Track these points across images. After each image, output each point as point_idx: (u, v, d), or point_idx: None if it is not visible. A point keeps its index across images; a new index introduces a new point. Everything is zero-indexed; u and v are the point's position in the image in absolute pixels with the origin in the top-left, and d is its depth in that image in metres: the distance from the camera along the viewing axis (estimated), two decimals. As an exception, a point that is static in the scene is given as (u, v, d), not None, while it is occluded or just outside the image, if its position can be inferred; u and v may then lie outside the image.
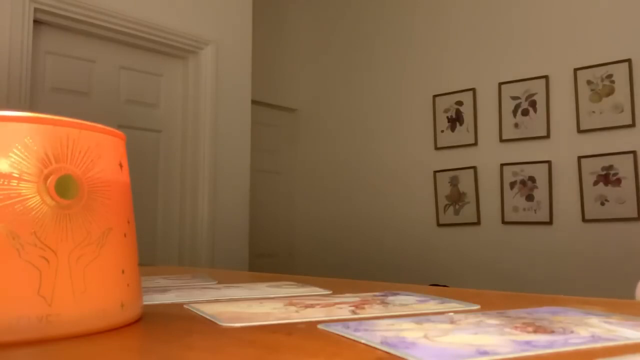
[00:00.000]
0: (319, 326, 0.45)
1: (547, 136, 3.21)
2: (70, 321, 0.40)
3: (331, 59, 4.24)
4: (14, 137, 0.40)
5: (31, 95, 2.56)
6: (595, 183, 3.03)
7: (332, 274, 3.55)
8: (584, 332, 0.41)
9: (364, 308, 0.54)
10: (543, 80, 3.23)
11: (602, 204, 3.00)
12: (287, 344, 0.39)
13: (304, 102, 4.37)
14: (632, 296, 0.99)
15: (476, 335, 0.40)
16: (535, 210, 3.22)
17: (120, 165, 0.48)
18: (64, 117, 0.43)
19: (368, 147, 3.98)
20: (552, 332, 0.41)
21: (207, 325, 0.46)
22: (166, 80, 3.17)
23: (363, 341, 0.38)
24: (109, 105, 2.92)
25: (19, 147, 0.40)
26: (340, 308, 0.54)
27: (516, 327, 0.42)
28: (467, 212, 3.48)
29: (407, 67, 3.82)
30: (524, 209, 3.26)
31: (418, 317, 0.49)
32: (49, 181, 0.41)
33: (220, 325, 0.46)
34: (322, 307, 0.55)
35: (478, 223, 3.44)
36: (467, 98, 3.53)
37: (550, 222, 3.17)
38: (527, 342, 0.37)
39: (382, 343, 0.37)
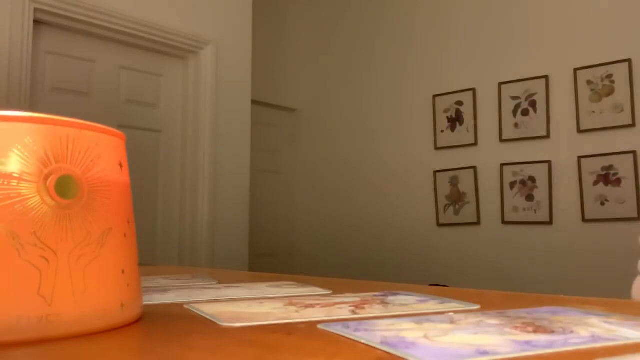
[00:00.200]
0: (319, 326, 0.44)
1: (547, 136, 3.21)
2: (70, 321, 0.40)
3: (331, 59, 4.24)
4: (14, 137, 0.40)
5: (31, 95, 2.56)
6: (595, 183, 3.03)
7: (332, 274, 3.54)
8: (584, 332, 0.41)
9: (364, 308, 0.54)
10: (543, 80, 3.23)
11: (602, 204, 3.00)
12: (287, 344, 0.39)
13: (304, 102, 4.37)
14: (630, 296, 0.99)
15: (476, 335, 0.40)
16: (535, 210, 3.22)
17: (120, 165, 0.48)
18: (64, 117, 0.43)
19: (368, 147, 3.97)
20: (552, 332, 0.41)
21: (207, 325, 0.47)
22: (166, 80, 3.17)
23: (363, 341, 0.38)
24: (109, 105, 2.92)
25: (19, 147, 0.40)
26: (340, 308, 0.54)
27: (516, 327, 0.42)
28: (467, 212, 3.48)
29: (407, 67, 3.82)
30: (524, 209, 3.26)
31: (418, 317, 0.49)
32: (49, 181, 0.41)
33: (220, 325, 0.46)
34: (322, 307, 0.55)
35: (478, 223, 3.44)
36: (467, 98, 3.53)
37: (550, 222, 3.16)
38: (527, 342, 0.37)
39: (382, 343, 0.37)
